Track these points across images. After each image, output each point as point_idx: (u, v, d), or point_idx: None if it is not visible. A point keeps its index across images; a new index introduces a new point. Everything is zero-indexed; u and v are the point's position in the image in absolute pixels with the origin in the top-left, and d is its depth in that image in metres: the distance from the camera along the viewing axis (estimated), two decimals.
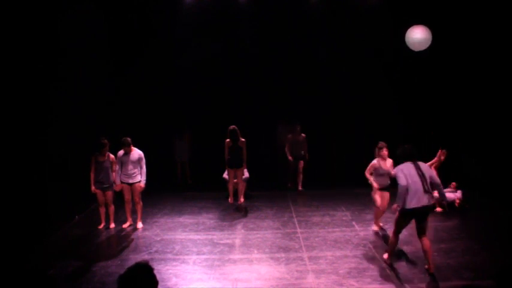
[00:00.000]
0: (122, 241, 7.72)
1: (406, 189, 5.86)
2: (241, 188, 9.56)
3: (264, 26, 11.63)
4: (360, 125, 11.76)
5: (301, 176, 10.94)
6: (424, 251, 5.99)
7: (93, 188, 8.13)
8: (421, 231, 5.98)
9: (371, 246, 7.16)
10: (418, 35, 8.06)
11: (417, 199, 5.80)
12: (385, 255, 6.51)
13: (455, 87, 10.96)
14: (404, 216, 6.03)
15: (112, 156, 8.17)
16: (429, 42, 8.26)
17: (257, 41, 11.72)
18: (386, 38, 11.42)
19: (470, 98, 10.66)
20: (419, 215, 5.92)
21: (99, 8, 10.59)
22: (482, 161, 9.99)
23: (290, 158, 10.87)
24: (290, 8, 11.48)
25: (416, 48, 8.33)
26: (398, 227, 6.18)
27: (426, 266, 6.04)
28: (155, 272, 2.76)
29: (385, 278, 6.04)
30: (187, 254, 7.01)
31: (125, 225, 8.34)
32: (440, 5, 10.29)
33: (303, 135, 10.94)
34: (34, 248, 7.17)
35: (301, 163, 10.92)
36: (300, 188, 10.87)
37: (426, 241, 5.96)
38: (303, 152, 10.96)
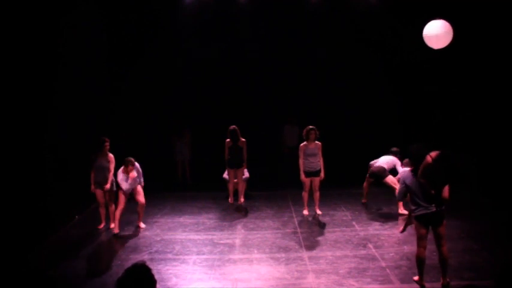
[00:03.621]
0: (122, 241, 7.71)
1: None
2: (241, 188, 9.55)
3: (264, 26, 11.64)
4: (360, 125, 11.77)
5: (317, 195, 8.85)
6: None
7: (92, 187, 8.13)
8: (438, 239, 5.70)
9: (371, 246, 7.15)
10: (439, 30, 7.44)
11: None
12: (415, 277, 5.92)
13: (455, 85, 10.97)
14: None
15: (111, 156, 8.16)
16: (449, 39, 7.37)
17: (257, 40, 11.73)
18: (387, 37, 11.45)
19: (469, 97, 10.67)
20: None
21: (99, 8, 10.61)
22: (483, 161, 9.98)
23: (303, 175, 8.69)
24: (290, 8, 11.49)
25: (435, 44, 7.46)
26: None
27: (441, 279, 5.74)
28: (155, 272, 2.76)
29: (385, 278, 6.04)
30: (187, 254, 7.01)
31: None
32: (440, 4, 10.28)
33: (317, 143, 8.65)
34: (34, 248, 7.17)
35: (317, 180, 8.71)
36: (318, 211, 8.89)
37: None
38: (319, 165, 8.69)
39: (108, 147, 8.16)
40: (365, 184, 9.50)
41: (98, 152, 8.10)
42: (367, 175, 9.31)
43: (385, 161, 8.99)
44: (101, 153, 8.09)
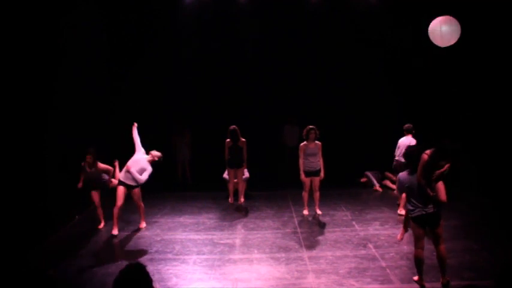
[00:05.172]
0: (122, 241, 7.71)
1: None
2: (242, 188, 9.56)
3: (264, 26, 11.64)
4: (360, 125, 11.76)
5: (318, 195, 8.86)
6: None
7: (80, 184, 8.24)
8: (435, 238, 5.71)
9: (371, 246, 7.15)
10: (445, 28, 7.14)
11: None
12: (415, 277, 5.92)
13: (455, 85, 10.97)
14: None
15: (102, 166, 8.16)
16: (457, 37, 7.23)
17: (257, 40, 11.72)
18: (387, 37, 11.44)
19: (469, 97, 10.67)
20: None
21: (99, 8, 10.61)
22: (482, 161, 9.98)
23: (303, 175, 8.71)
24: (290, 8, 11.49)
25: (440, 42, 7.32)
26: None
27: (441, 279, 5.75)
28: (155, 272, 2.77)
29: (385, 278, 6.04)
30: (188, 254, 7.01)
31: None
32: (440, 4, 10.29)
33: (317, 142, 8.68)
34: (34, 248, 7.17)
35: (317, 180, 8.73)
36: (318, 211, 8.88)
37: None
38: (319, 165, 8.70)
39: (89, 159, 8.02)
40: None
41: (86, 163, 8.11)
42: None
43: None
44: (88, 165, 8.09)
